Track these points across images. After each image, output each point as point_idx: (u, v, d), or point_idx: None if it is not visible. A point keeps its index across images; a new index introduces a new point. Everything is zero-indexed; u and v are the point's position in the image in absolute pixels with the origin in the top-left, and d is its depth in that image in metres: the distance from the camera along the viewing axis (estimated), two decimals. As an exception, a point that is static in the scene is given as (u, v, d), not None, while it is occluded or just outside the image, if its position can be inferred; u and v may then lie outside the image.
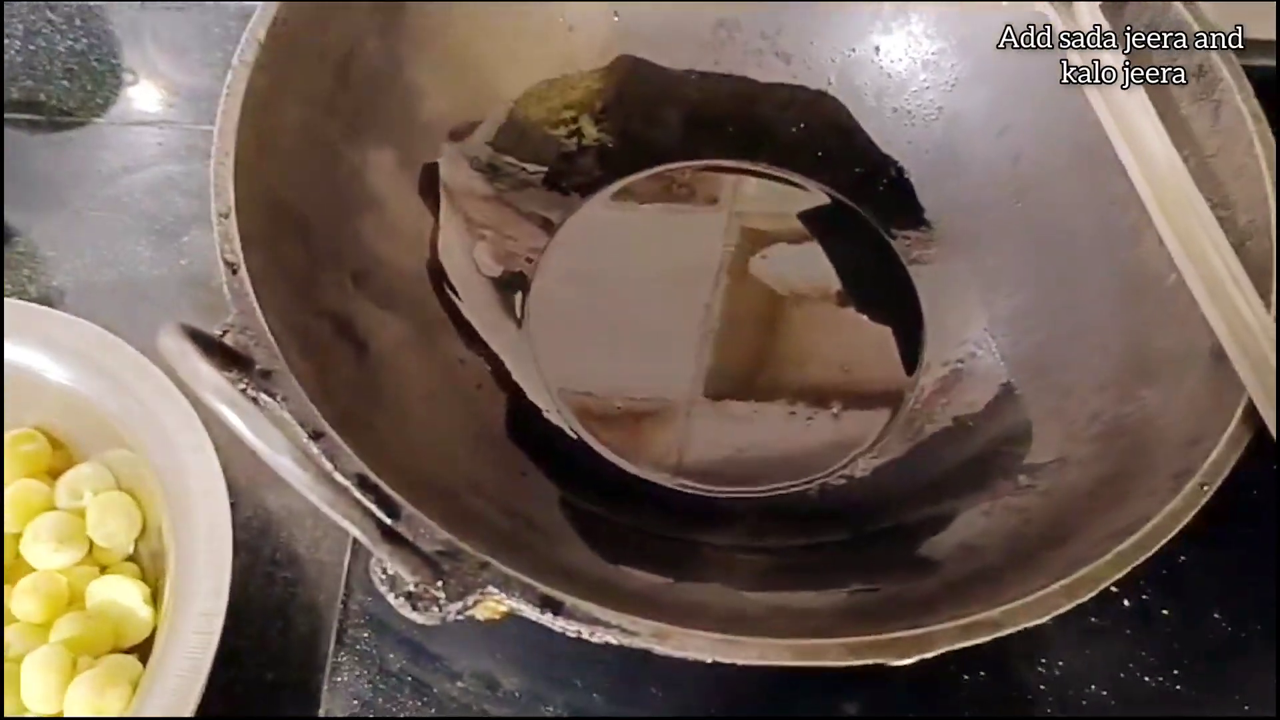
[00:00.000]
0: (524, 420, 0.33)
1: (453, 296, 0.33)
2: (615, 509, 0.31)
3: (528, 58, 0.37)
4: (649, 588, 0.27)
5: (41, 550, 0.37)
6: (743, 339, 0.37)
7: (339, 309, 0.29)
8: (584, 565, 0.27)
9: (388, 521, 0.22)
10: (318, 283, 0.29)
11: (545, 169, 0.38)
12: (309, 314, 0.27)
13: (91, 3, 0.47)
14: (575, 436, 0.34)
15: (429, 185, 0.34)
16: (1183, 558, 0.35)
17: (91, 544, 0.38)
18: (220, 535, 0.35)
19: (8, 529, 0.37)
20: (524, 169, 0.37)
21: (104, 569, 0.38)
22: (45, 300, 0.45)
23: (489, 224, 0.35)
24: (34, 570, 0.37)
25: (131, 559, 0.38)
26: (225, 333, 0.24)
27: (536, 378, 0.35)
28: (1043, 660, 0.33)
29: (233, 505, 0.34)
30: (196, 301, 0.46)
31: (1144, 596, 0.35)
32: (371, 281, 0.31)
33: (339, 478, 0.22)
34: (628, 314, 0.37)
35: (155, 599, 0.37)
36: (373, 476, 0.23)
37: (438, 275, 0.33)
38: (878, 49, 0.38)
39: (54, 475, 0.39)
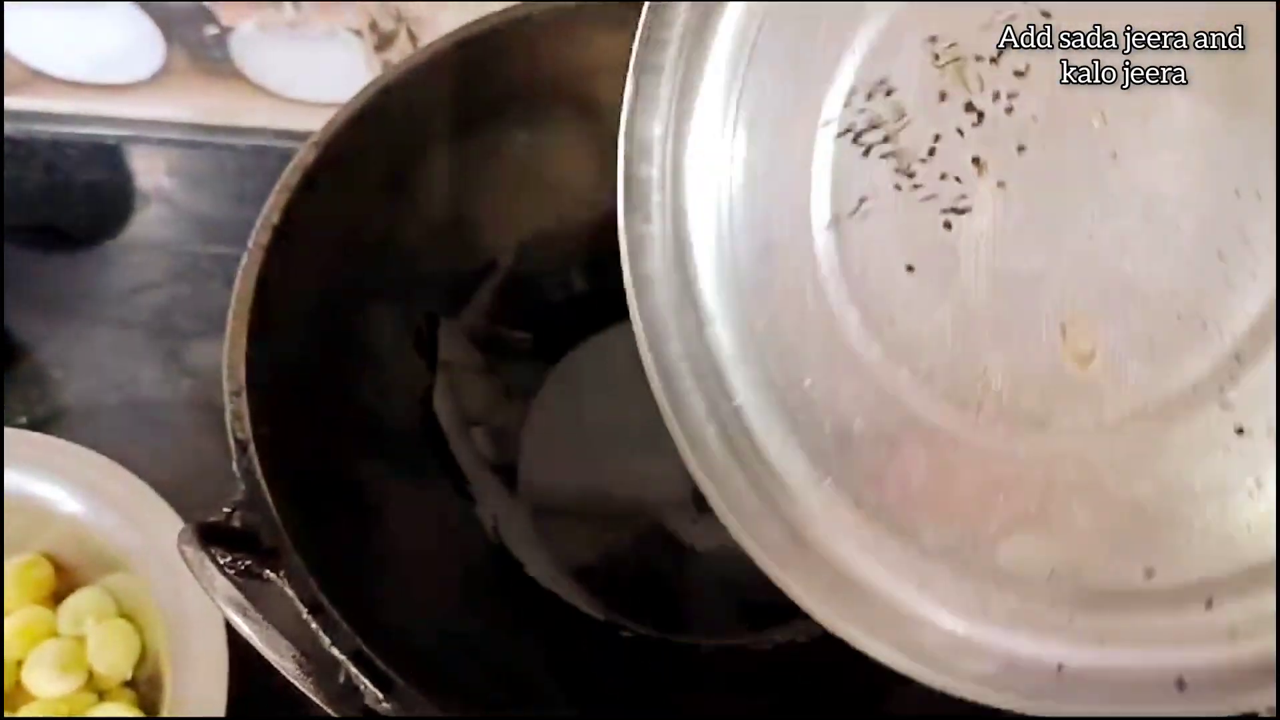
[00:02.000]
0: (514, 579, 0.35)
1: (446, 455, 0.35)
2: (602, 668, 0.32)
3: (520, 217, 0.39)
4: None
5: (43, 678, 0.38)
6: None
7: (340, 468, 0.31)
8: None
9: (380, 697, 0.23)
10: (320, 444, 0.30)
11: (532, 335, 0.40)
12: (312, 477, 0.29)
13: (110, 143, 0.49)
14: (562, 596, 0.35)
15: (425, 343, 0.36)
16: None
17: (91, 670, 0.39)
18: (218, 665, 0.36)
19: (11, 656, 0.38)
20: (515, 336, 0.39)
21: (102, 695, 0.39)
22: (51, 420, 0.46)
23: (481, 388, 0.37)
24: (34, 698, 0.38)
25: (129, 684, 0.39)
26: (234, 510, 0.25)
27: (527, 537, 0.36)
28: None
29: (229, 626, 0.36)
30: (201, 423, 0.47)
31: None
32: (370, 440, 0.32)
33: (336, 652, 0.24)
34: (612, 471, 0.38)
35: (147, 723, 0.38)
36: (367, 651, 0.24)
37: (433, 432, 0.35)
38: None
39: (57, 599, 0.40)
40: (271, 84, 0.48)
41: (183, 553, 0.22)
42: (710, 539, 0.37)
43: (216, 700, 0.36)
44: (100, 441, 0.41)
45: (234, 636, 0.37)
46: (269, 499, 0.25)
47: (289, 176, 0.31)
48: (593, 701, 0.30)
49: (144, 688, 0.40)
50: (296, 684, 0.21)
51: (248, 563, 0.25)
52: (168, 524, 0.39)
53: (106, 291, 0.50)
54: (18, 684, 0.39)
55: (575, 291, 0.41)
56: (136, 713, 0.38)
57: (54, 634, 0.39)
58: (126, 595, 0.40)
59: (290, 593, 0.24)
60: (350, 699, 0.22)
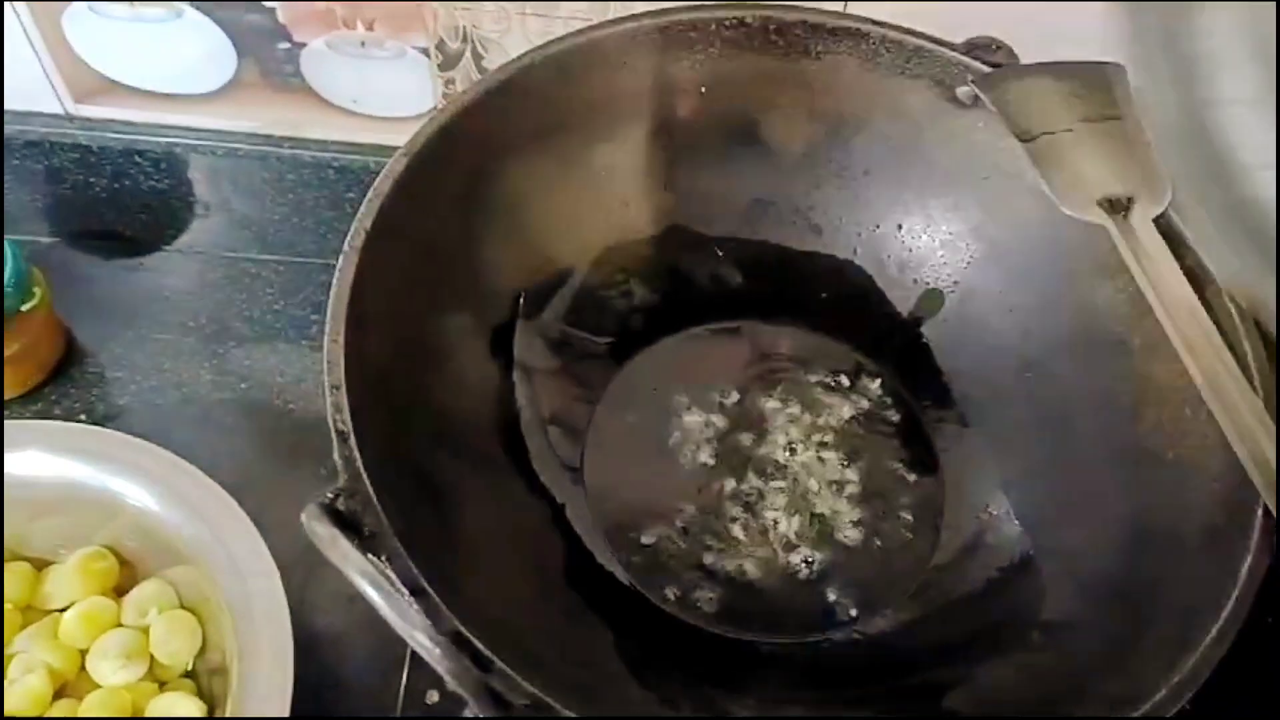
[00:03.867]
0: (581, 566, 0.36)
1: (519, 449, 0.36)
2: (663, 654, 0.33)
3: (588, 230, 0.40)
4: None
5: (107, 667, 0.39)
6: (777, 495, 0.40)
7: (420, 463, 0.32)
8: (640, 710, 0.29)
9: (480, 674, 0.25)
10: (404, 441, 0.32)
11: (609, 340, 0.41)
12: (398, 472, 0.30)
13: (177, 150, 0.51)
14: (626, 583, 0.37)
15: (500, 347, 0.37)
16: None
17: (152, 660, 0.40)
18: (283, 658, 0.37)
19: (75, 644, 0.39)
20: (589, 340, 0.40)
21: (162, 685, 0.40)
22: (111, 419, 0.48)
23: (554, 388, 0.39)
24: (98, 686, 0.39)
25: (189, 675, 0.40)
26: (336, 497, 0.27)
27: (591, 525, 0.38)
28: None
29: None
30: (255, 424, 0.48)
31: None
32: (447, 437, 0.34)
33: (435, 634, 0.25)
34: (672, 465, 0.40)
35: (211, 714, 0.39)
36: (465, 633, 0.25)
37: (506, 430, 0.36)
38: (900, 227, 0.42)
39: (120, 592, 0.41)
40: (337, 99, 0.50)
41: (313, 530, 0.23)
42: (761, 542, 0.39)
43: (282, 692, 0.37)
44: (159, 440, 0.41)
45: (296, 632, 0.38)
46: (369, 486, 0.27)
47: (380, 184, 0.32)
48: (658, 685, 0.31)
49: (204, 679, 0.40)
50: (425, 657, 0.22)
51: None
52: (230, 516, 0.40)
53: (165, 296, 0.51)
54: (81, 671, 0.39)
55: (636, 302, 0.42)
56: (197, 702, 0.39)
57: (118, 624, 0.40)
58: (188, 587, 0.41)
59: (393, 576, 0.26)
60: (468, 673, 0.23)
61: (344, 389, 0.28)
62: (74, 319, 0.49)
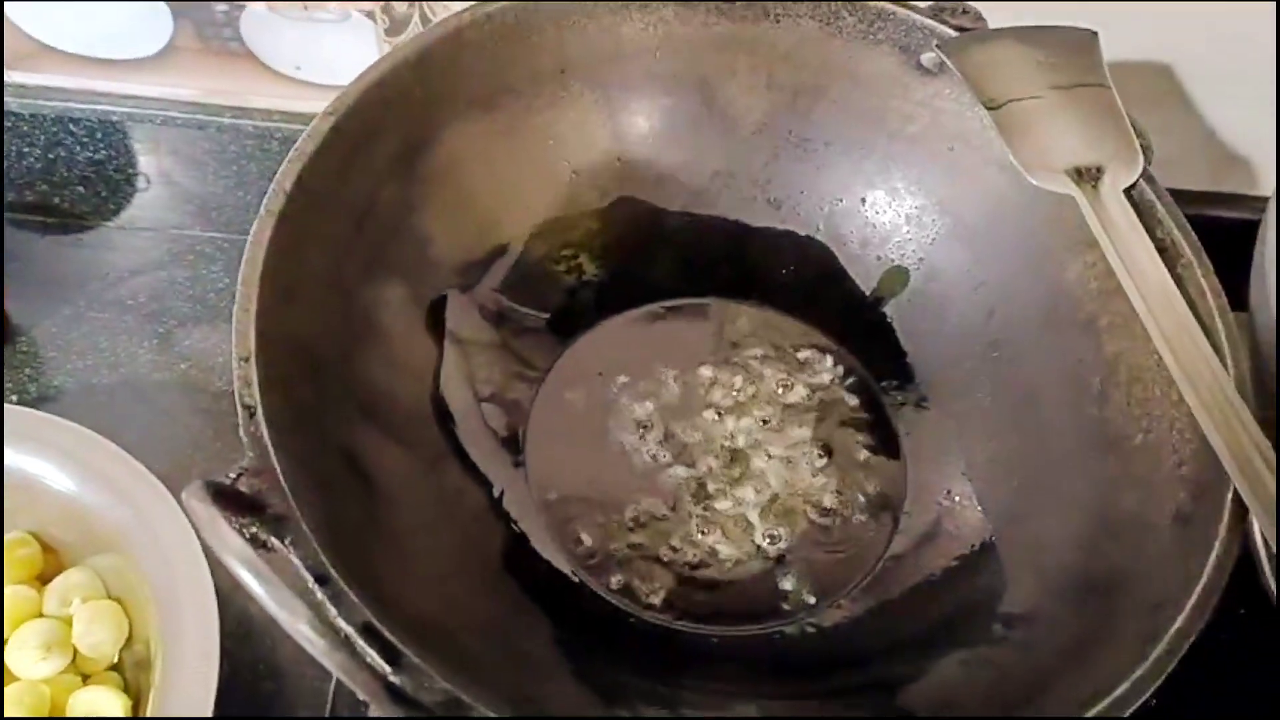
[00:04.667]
0: (520, 554, 0.34)
1: (454, 429, 0.34)
2: (606, 646, 0.32)
3: (534, 201, 0.38)
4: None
5: (26, 658, 0.37)
6: (729, 480, 0.38)
7: (347, 443, 0.30)
8: (578, 708, 0.28)
9: (388, 670, 0.23)
10: (328, 418, 0.30)
11: (548, 314, 0.39)
12: (319, 449, 0.29)
13: (114, 119, 0.49)
14: (568, 571, 0.35)
15: (435, 321, 0.36)
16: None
17: (76, 652, 0.38)
18: (208, 648, 0.35)
19: (-8, 636, 0.37)
20: (529, 314, 0.39)
21: (86, 678, 0.38)
22: (45, 400, 0.46)
23: (490, 364, 0.37)
24: (17, 679, 0.37)
25: (114, 668, 0.38)
26: (240, 475, 0.25)
27: (532, 512, 0.36)
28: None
29: (219, 613, 0.35)
30: (195, 407, 0.47)
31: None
32: (378, 415, 0.32)
33: (343, 624, 0.23)
34: (620, 450, 0.38)
35: (137, 709, 0.37)
36: (375, 623, 0.23)
37: (440, 407, 0.34)
38: (863, 201, 0.40)
39: (44, 580, 0.39)
40: (279, 65, 0.48)
41: (191, 509, 0.21)
42: (713, 528, 0.37)
43: (206, 685, 0.35)
44: (93, 422, 0.40)
45: (224, 621, 0.36)
46: (276, 465, 0.25)
47: (303, 144, 0.30)
48: (599, 680, 0.29)
49: (130, 672, 0.39)
50: (309, 649, 0.20)
51: (253, 530, 0.24)
52: (160, 503, 0.38)
53: (104, 273, 0.49)
54: (1, 664, 0.38)
55: (586, 277, 0.40)
56: (122, 697, 0.37)
57: (39, 614, 0.38)
58: (115, 577, 0.39)
59: (297, 562, 0.24)
60: (364, 666, 0.21)
61: (253, 361, 0.26)
62: (7, 296, 0.47)
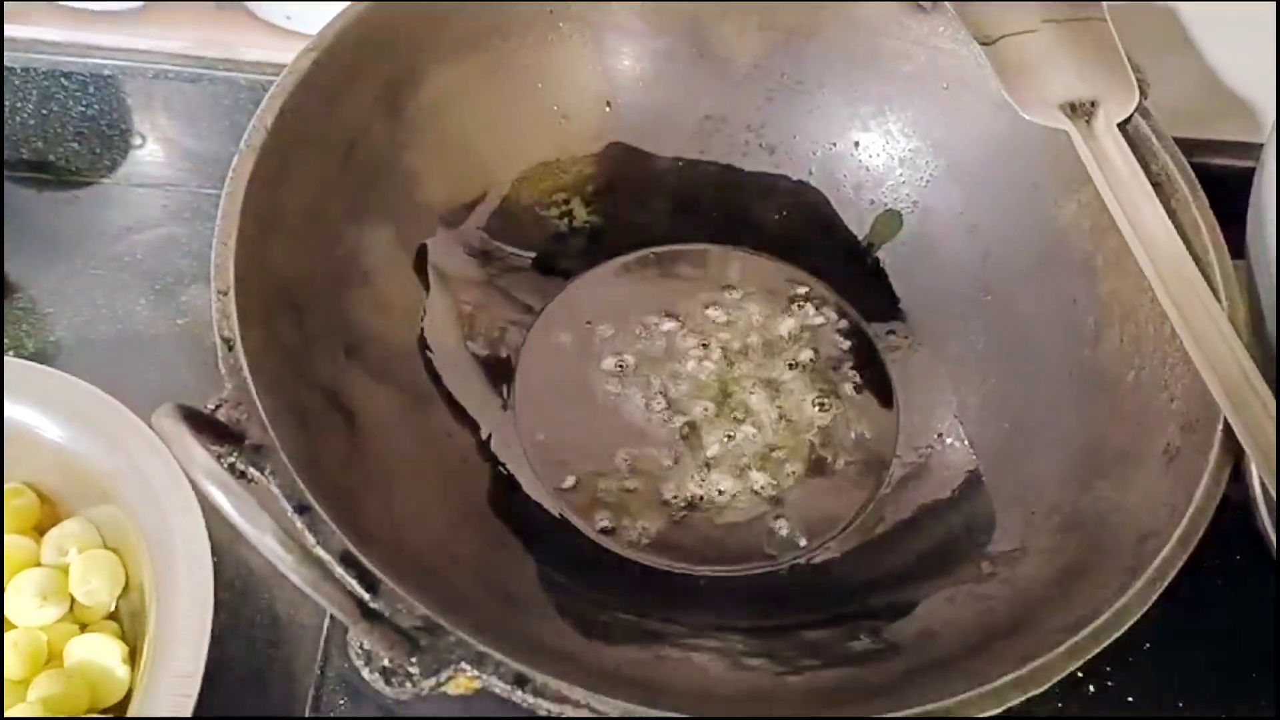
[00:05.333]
0: (506, 494, 0.34)
1: (441, 371, 0.34)
2: (591, 584, 0.32)
3: (523, 144, 0.38)
4: (622, 665, 0.28)
5: (24, 606, 0.37)
6: (721, 423, 0.38)
7: (330, 381, 0.30)
8: (558, 641, 0.28)
9: (366, 597, 0.23)
10: (311, 356, 0.30)
11: (535, 253, 0.39)
12: (301, 386, 0.28)
13: (106, 72, 0.48)
14: (555, 512, 0.35)
15: (423, 263, 0.35)
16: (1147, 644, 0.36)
17: (73, 601, 0.38)
18: (202, 597, 0.35)
19: (-10, 584, 0.38)
20: (515, 254, 0.38)
21: (84, 626, 0.38)
22: (42, 355, 0.46)
23: (479, 304, 0.37)
24: (14, 626, 0.37)
25: (112, 617, 0.39)
26: (218, 407, 0.25)
27: (520, 453, 0.36)
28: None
29: (216, 564, 0.35)
30: (193, 360, 0.46)
31: (1109, 684, 0.36)
32: (363, 355, 0.32)
33: (321, 552, 0.23)
34: (610, 393, 0.38)
35: (134, 658, 0.37)
36: (354, 552, 0.23)
37: (427, 350, 0.34)
38: (857, 144, 0.40)
39: (40, 530, 0.39)
40: (272, 15, 0.47)
41: (159, 428, 0.21)
42: (703, 471, 0.37)
43: (200, 634, 0.35)
44: (91, 377, 0.40)
45: (222, 572, 0.36)
46: (255, 395, 0.25)
47: (284, 80, 0.30)
48: (582, 615, 0.29)
49: (127, 621, 0.39)
50: (278, 565, 0.20)
51: (231, 460, 0.24)
52: (154, 454, 0.38)
53: (100, 230, 0.49)
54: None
55: (577, 223, 0.40)
56: (118, 644, 0.37)
57: (36, 563, 0.39)
58: (112, 527, 0.39)
59: (276, 491, 0.24)
60: (335, 582, 0.21)
61: (231, 294, 0.26)
62: (5, 253, 0.47)
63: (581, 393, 0.38)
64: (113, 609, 0.38)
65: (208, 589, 0.36)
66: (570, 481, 0.36)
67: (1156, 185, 0.32)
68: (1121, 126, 0.32)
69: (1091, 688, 0.35)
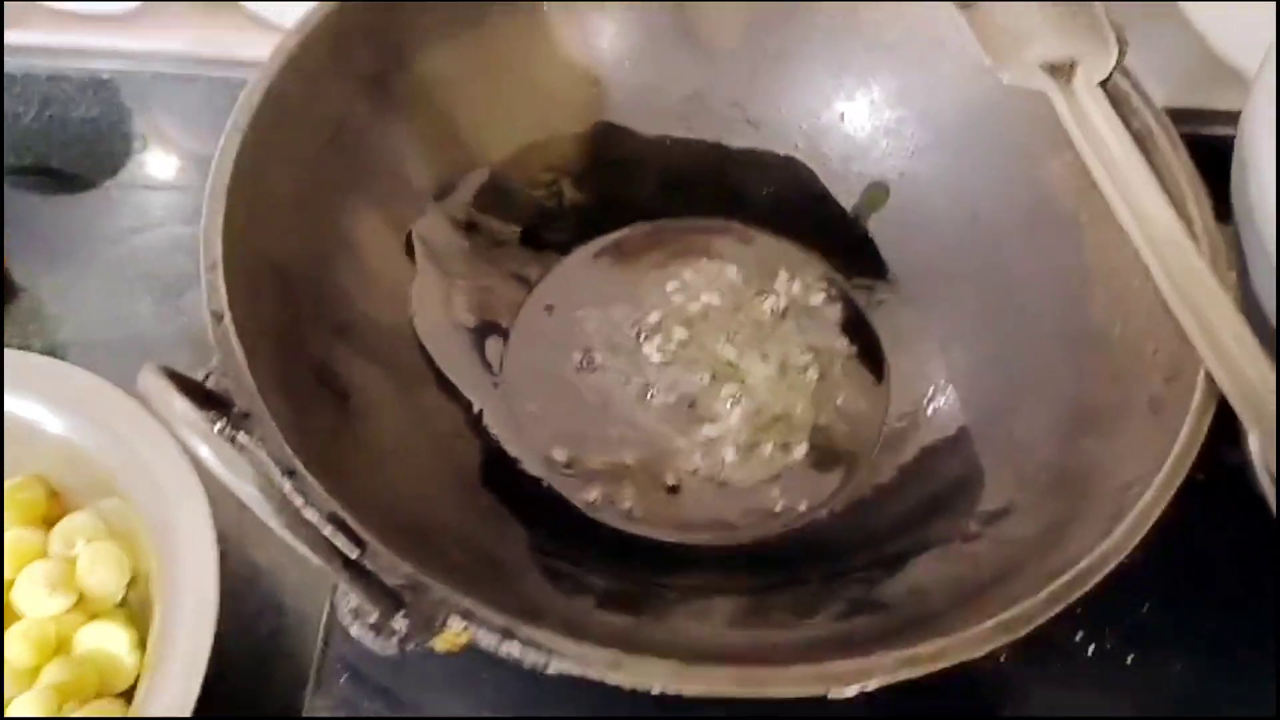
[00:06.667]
0: (497, 468, 0.34)
1: (431, 348, 0.35)
2: (583, 553, 0.32)
3: (509, 124, 0.39)
4: (614, 628, 0.28)
5: (33, 596, 0.38)
6: (714, 392, 0.38)
7: (320, 359, 0.31)
8: (547, 602, 0.28)
9: (352, 555, 0.23)
10: (300, 334, 0.30)
11: (521, 228, 0.39)
12: (291, 364, 0.29)
13: (104, 76, 0.49)
14: (546, 485, 0.35)
15: (412, 246, 0.36)
16: (1146, 606, 0.36)
17: (82, 591, 0.38)
18: (207, 585, 0.36)
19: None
20: (504, 230, 0.39)
21: (93, 616, 0.39)
22: (49, 355, 0.46)
23: (467, 279, 0.37)
24: (23, 617, 0.38)
25: (121, 606, 0.39)
26: (207, 376, 0.25)
27: (511, 428, 0.36)
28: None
29: (222, 555, 0.35)
30: (196, 358, 0.46)
31: (1108, 645, 0.35)
32: (353, 333, 0.32)
33: (309, 514, 0.24)
34: (603, 365, 0.38)
35: (142, 645, 0.37)
36: (342, 513, 0.24)
37: (417, 327, 0.35)
38: (842, 116, 0.40)
39: (49, 523, 0.40)
40: (268, 14, 0.48)
41: (145, 385, 0.21)
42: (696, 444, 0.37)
43: (205, 624, 0.36)
44: (97, 375, 0.40)
45: (228, 563, 0.37)
46: (243, 363, 0.25)
47: (270, 61, 0.31)
48: (574, 581, 0.30)
49: (135, 609, 0.39)
50: (262, 517, 0.20)
51: (219, 426, 0.24)
52: (155, 440, 0.38)
53: (104, 232, 0.50)
54: (8, 603, 0.38)
55: (567, 202, 0.40)
56: (129, 630, 0.38)
57: (44, 555, 0.39)
58: (120, 519, 0.40)
59: (264, 457, 0.24)
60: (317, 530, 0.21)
61: (219, 269, 0.27)
62: (8, 258, 0.48)
63: (573, 366, 0.38)
64: (121, 598, 0.39)
65: (212, 577, 0.36)
66: (562, 454, 0.36)
67: (1139, 140, 0.32)
68: (1103, 85, 0.32)
69: (1091, 649, 0.35)
